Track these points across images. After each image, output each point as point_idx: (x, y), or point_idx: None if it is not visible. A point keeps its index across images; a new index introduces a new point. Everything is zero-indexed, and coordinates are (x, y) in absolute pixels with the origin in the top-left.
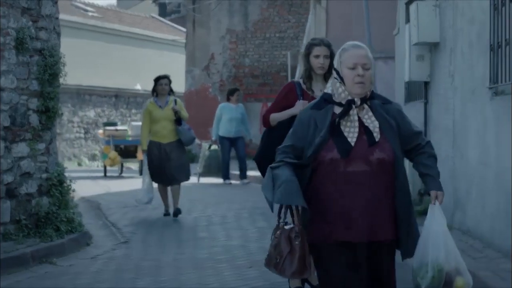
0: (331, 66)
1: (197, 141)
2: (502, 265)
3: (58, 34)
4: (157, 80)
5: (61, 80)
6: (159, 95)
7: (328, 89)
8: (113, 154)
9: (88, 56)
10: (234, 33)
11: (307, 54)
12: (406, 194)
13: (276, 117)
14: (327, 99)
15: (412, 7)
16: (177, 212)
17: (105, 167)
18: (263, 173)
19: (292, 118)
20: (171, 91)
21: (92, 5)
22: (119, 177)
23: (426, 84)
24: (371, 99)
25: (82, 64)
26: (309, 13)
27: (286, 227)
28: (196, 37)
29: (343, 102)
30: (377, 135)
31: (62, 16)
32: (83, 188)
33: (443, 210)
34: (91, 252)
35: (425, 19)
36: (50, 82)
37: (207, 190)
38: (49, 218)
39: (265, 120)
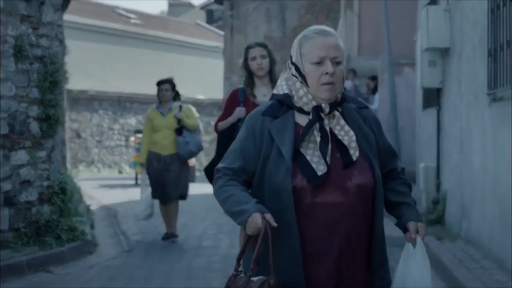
0: (272, 67)
1: None
2: (495, 276)
3: (61, 41)
4: (158, 85)
5: (66, 87)
6: (162, 101)
7: (282, 87)
8: None
9: (130, 63)
10: (271, 39)
11: (245, 60)
12: (382, 230)
13: (221, 125)
14: (285, 102)
15: (423, 12)
16: (171, 236)
17: (136, 175)
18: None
19: (232, 125)
20: (176, 96)
21: (135, 12)
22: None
23: (439, 90)
24: (342, 102)
25: (123, 72)
26: (340, 19)
27: (254, 278)
28: (234, 44)
29: (306, 108)
30: (354, 152)
31: (103, 23)
32: (108, 196)
33: (452, 218)
34: (91, 261)
35: (435, 24)
36: (51, 90)
37: None
38: (50, 226)
39: (215, 128)
